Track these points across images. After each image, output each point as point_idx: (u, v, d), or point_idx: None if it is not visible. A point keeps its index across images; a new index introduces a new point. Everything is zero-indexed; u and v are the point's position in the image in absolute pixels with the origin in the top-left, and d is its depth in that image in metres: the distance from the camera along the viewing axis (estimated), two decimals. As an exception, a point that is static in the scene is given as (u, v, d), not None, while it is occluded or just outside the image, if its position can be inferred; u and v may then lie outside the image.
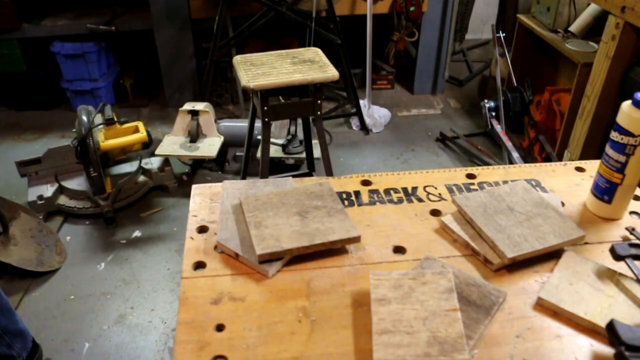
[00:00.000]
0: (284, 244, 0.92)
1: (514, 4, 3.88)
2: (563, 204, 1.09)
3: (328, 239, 0.94)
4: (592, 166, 1.21)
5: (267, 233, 0.94)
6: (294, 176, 1.20)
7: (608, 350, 0.77)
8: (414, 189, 1.14)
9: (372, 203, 1.09)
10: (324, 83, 2.03)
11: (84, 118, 2.46)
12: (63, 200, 2.66)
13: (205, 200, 1.09)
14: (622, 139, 0.97)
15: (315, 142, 2.59)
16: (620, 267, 0.89)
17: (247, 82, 1.94)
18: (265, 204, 1.01)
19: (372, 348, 0.73)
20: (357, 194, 1.12)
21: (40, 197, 2.58)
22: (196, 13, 3.41)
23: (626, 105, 0.97)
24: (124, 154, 2.87)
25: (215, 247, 0.97)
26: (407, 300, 0.79)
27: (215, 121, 2.90)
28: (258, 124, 2.36)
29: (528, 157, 3.01)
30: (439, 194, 1.12)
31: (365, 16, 3.32)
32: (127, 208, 2.73)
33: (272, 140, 2.88)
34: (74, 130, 2.58)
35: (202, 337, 0.79)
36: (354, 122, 3.54)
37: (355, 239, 0.95)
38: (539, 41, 3.12)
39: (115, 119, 2.66)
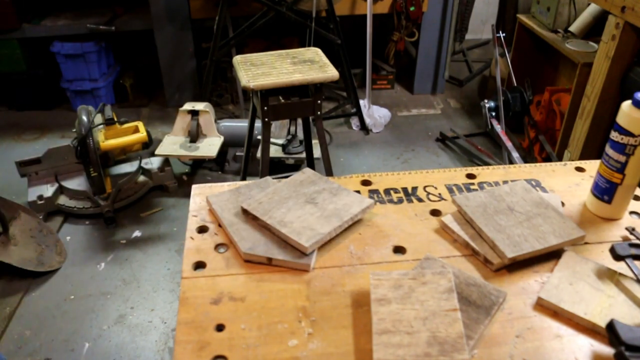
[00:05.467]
0: (322, 230, 0.95)
1: (514, 4, 3.88)
2: (563, 204, 1.09)
3: (353, 213, 1.00)
4: (592, 166, 1.21)
5: (298, 226, 0.95)
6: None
7: (608, 350, 0.77)
8: (414, 189, 1.14)
9: (372, 203, 1.09)
10: (324, 83, 2.03)
11: (84, 118, 2.46)
12: (63, 200, 2.66)
13: (205, 200, 1.09)
14: (622, 139, 0.97)
15: (315, 142, 2.59)
16: (620, 267, 0.89)
17: (247, 82, 1.94)
18: (272, 204, 1.01)
19: (372, 348, 0.73)
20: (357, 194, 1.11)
21: (40, 197, 2.58)
22: (196, 13, 3.41)
23: (626, 105, 0.97)
24: (124, 154, 2.87)
25: (216, 247, 0.97)
26: (407, 300, 0.79)
27: (215, 121, 2.90)
28: (258, 124, 2.36)
29: (528, 157, 3.01)
30: (439, 194, 1.12)
31: (365, 16, 3.32)
32: (127, 208, 2.73)
33: (272, 140, 2.88)
34: (74, 130, 2.58)
35: (202, 337, 0.79)
36: (354, 122, 3.54)
37: (370, 206, 1.03)
38: (539, 41, 3.12)
39: (115, 119, 2.67)
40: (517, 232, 0.95)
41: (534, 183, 1.15)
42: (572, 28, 2.87)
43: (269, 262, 0.93)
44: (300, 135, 2.91)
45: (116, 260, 2.41)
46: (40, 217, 2.53)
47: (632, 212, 1.07)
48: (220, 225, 1.02)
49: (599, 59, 2.29)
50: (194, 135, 2.79)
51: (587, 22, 2.82)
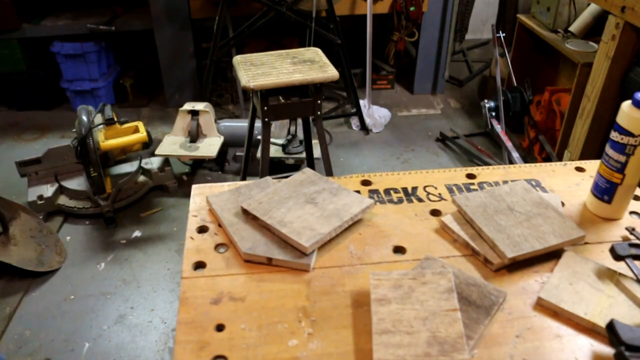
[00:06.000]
0: (322, 230, 0.95)
1: (514, 4, 3.88)
2: (563, 204, 1.09)
3: (353, 213, 1.00)
4: (592, 166, 1.22)
5: (298, 226, 0.95)
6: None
7: (608, 350, 0.77)
8: (414, 189, 1.14)
9: (372, 203, 1.09)
10: (324, 83, 2.03)
11: (84, 118, 2.46)
12: (63, 200, 2.66)
13: (205, 200, 1.09)
14: (622, 139, 0.97)
15: (315, 142, 2.59)
16: (620, 267, 0.89)
17: (247, 82, 1.94)
18: (272, 204, 1.01)
19: (372, 348, 0.73)
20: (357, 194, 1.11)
21: (40, 197, 2.58)
22: (196, 13, 3.41)
23: (626, 105, 0.97)
24: (124, 154, 2.87)
25: (216, 247, 0.97)
26: (407, 300, 0.79)
27: (215, 121, 2.90)
28: (258, 124, 2.36)
29: (528, 157, 3.01)
30: (439, 194, 1.12)
31: (365, 16, 3.32)
32: (127, 208, 2.73)
33: (272, 140, 2.88)
34: (74, 130, 2.58)
35: (202, 337, 0.79)
36: (354, 122, 3.54)
37: (370, 206, 1.03)
38: (539, 41, 3.12)
39: (115, 119, 2.67)
40: (517, 232, 0.95)
41: (534, 183, 1.15)
42: (572, 28, 2.87)
43: (269, 262, 0.93)
44: (300, 135, 2.91)
45: (116, 260, 2.41)
46: (40, 217, 2.53)
47: (632, 212, 1.07)
48: (220, 225, 1.02)
49: (599, 59, 2.29)
50: (194, 135, 2.79)
51: (587, 22, 2.82)
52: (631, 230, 1.01)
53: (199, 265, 0.93)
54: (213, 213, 1.05)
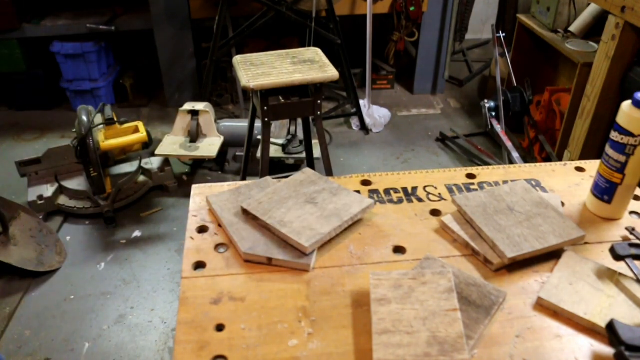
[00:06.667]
0: (322, 230, 0.95)
1: (514, 4, 3.88)
2: (563, 204, 1.09)
3: (353, 213, 1.00)
4: (592, 166, 1.22)
5: (298, 226, 0.95)
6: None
7: (608, 350, 0.77)
8: (414, 189, 1.14)
9: (372, 203, 1.09)
10: (324, 83, 2.03)
11: (84, 118, 2.46)
12: (63, 200, 2.66)
13: (205, 200, 1.09)
14: (622, 139, 0.97)
15: (315, 142, 2.59)
16: (620, 267, 0.89)
17: (247, 82, 1.94)
18: (272, 204, 1.01)
19: (372, 348, 0.73)
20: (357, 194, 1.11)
21: (40, 197, 2.58)
22: (196, 13, 3.41)
23: (626, 105, 0.97)
24: (124, 154, 2.87)
25: (216, 247, 0.97)
26: (407, 300, 0.79)
27: (215, 121, 2.90)
28: (258, 124, 2.36)
29: (528, 157, 3.01)
30: (439, 194, 1.12)
31: (365, 16, 3.32)
32: (127, 208, 2.73)
33: (272, 140, 2.88)
34: (74, 130, 2.58)
35: (202, 337, 0.79)
36: (354, 122, 3.54)
37: (370, 207, 1.03)
38: (539, 41, 3.12)
39: (115, 119, 2.67)
40: (517, 232, 0.95)
41: (534, 183, 1.15)
42: (572, 28, 2.87)
43: (269, 262, 0.93)
44: (300, 135, 2.91)
45: (116, 260, 2.41)
46: (40, 217, 2.53)
47: (632, 212, 1.07)
48: (220, 225, 1.02)
49: (599, 59, 2.29)
50: (194, 135, 2.79)
51: (587, 22, 2.82)
52: (631, 230, 1.01)
53: (199, 265, 0.93)
54: (213, 213, 1.05)
